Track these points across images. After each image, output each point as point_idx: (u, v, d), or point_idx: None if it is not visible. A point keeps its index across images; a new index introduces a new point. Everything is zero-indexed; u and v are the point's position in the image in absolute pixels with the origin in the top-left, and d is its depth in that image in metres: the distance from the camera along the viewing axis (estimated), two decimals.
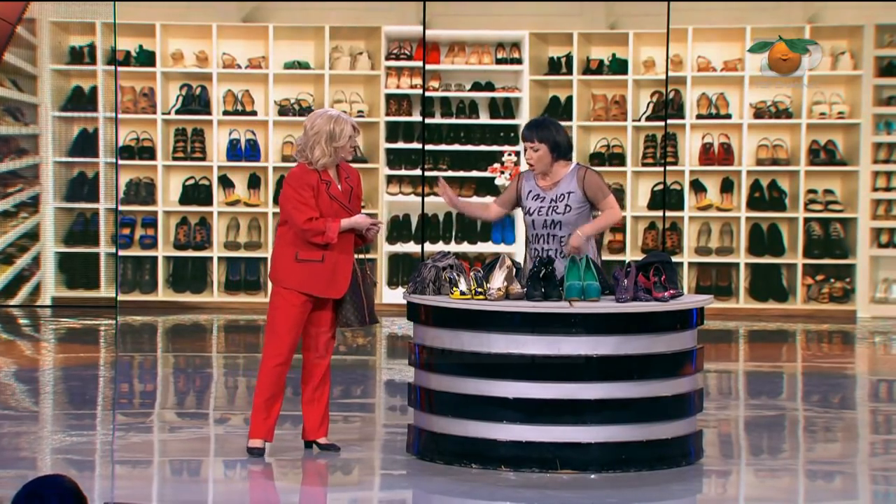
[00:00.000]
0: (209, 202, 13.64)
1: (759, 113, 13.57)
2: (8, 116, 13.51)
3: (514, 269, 6.84)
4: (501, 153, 13.00)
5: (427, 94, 13.57)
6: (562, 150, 7.13)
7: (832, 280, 13.54)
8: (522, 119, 13.61)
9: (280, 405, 7.09)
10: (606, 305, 6.71)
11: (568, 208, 7.07)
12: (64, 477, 3.63)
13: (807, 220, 13.51)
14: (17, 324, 12.69)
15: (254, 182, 13.74)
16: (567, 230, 7.06)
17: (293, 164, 14.98)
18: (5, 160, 13.49)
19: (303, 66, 13.68)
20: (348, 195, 7.10)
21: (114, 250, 13.31)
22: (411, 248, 13.65)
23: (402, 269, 13.59)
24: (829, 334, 12.60)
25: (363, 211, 7.21)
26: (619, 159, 13.64)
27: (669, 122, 13.47)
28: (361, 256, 7.15)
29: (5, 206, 13.48)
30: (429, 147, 13.56)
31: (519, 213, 7.41)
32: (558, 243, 7.06)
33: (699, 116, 13.63)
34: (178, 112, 13.66)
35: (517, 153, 13.09)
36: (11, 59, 13.35)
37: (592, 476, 6.63)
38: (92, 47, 13.50)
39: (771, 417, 8.49)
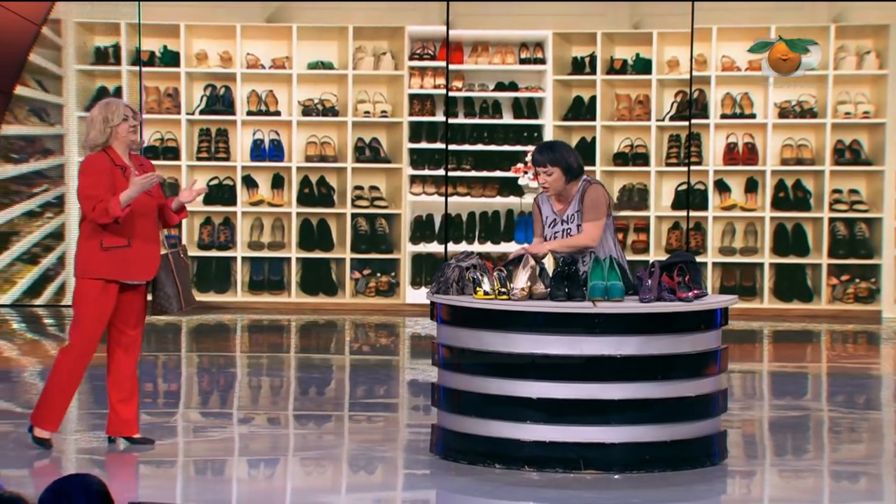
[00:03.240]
0: (233, 202, 13.68)
1: (783, 112, 13.53)
2: (33, 117, 13.57)
3: (539, 269, 6.83)
4: (525, 153, 12.98)
5: (450, 94, 13.57)
6: (574, 171, 7.08)
7: (857, 280, 13.49)
8: (546, 119, 13.60)
9: (72, 399, 7.13)
10: (630, 305, 6.70)
11: (580, 228, 7.04)
12: (92, 476, 3.64)
13: (832, 220, 13.46)
14: (41, 323, 12.75)
15: (277, 182, 13.76)
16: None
17: (318, 165, 14.98)
18: (31, 160, 13.55)
19: (326, 66, 13.70)
20: None
21: None
22: (434, 248, 13.65)
23: (426, 269, 13.60)
24: (854, 334, 12.55)
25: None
26: (642, 159, 13.62)
27: (694, 121, 13.44)
28: (174, 241, 7.18)
29: (30, 206, 13.53)
30: (452, 147, 13.56)
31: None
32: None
33: (723, 116, 13.59)
34: (202, 112, 13.69)
35: None
36: (36, 59, 13.41)
37: (616, 476, 6.62)
38: (116, 48, 13.55)
39: (795, 418, 8.46)
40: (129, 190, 6.97)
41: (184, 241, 13.56)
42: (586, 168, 14.25)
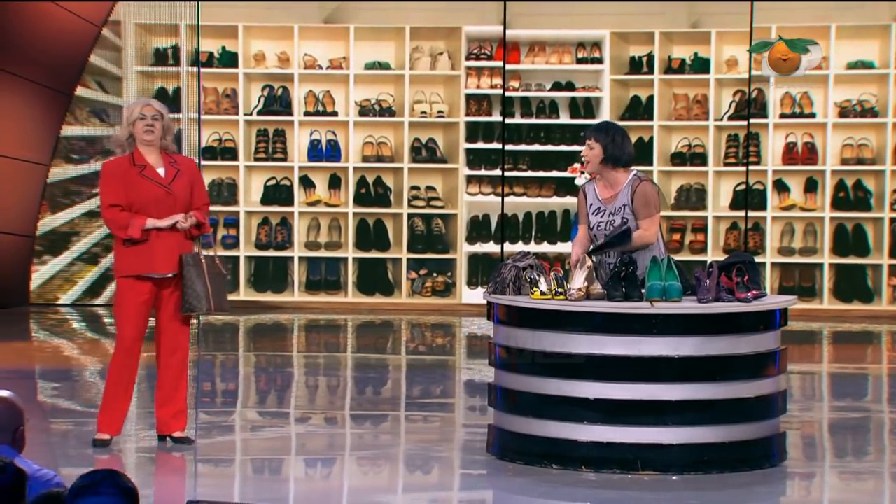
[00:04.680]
0: (290, 202, 13.73)
1: (843, 112, 13.40)
2: (94, 118, 13.69)
3: (594, 269, 6.80)
4: (581, 153, 12.94)
5: (507, 94, 13.55)
6: (614, 158, 7.00)
7: None
8: (603, 119, 13.54)
9: (130, 399, 7.17)
10: (688, 306, 6.66)
11: (624, 220, 6.98)
12: (120, 474, 3.68)
13: (893, 220, 13.31)
14: (102, 323, 12.85)
15: (334, 182, 13.80)
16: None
17: (374, 165, 15.01)
18: (91, 161, 13.66)
19: (383, 66, 13.72)
20: (171, 179, 7.14)
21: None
22: (491, 248, 13.63)
23: (482, 270, 13.58)
24: None
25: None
26: (700, 159, 13.54)
27: (752, 121, 13.34)
28: (207, 242, 7.20)
29: (91, 207, 13.64)
30: (509, 147, 13.54)
31: None
32: (618, 255, 6.97)
33: (782, 115, 13.48)
34: (259, 113, 13.75)
35: None
36: (97, 60, 13.52)
37: (674, 477, 6.58)
38: (175, 49, 13.64)
39: (856, 419, 8.38)
40: (159, 220, 7.05)
41: (240, 244, 13.63)
42: (644, 168, 14.19)
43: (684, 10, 13.59)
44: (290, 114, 13.72)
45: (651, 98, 13.54)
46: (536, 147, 13.63)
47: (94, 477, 3.66)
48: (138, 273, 7.09)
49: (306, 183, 13.79)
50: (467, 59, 13.64)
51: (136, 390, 7.39)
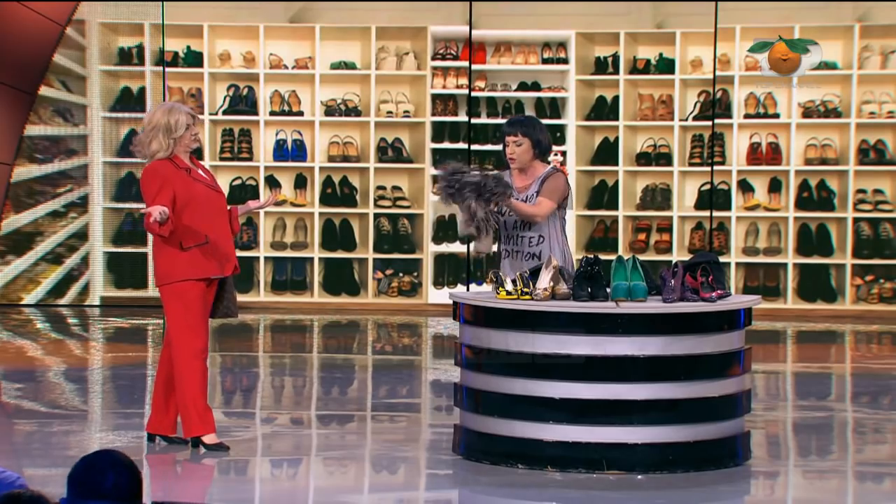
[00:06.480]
0: None
1: (807, 112, 13.48)
2: (57, 117, 13.61)
3: (560, 270, 6.82)
4: (507, 151, 12.95)
5: (473, 94, 13.56)
6: (542, 148, 7.12)
7: (882, 280, 13.43)
8: (569, 119, 13.58)
9: (205, 396, 7.10)
10: (653, 306, 6.68)
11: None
12: (118, 452, 3.67)
13: (856, 220, 13.40)
14: (66, 323, 12.79)
15: (300, 182, 13.78)
16: (535, 231, 7.01)
17: (340, 165, 14.98)
18: (55, 161, 13.59)
19: (349, 66, 13.71)
20: (213, 181, 7.18)
21: None
22: (457, 248, 13.64)
23: (448, 270, 13.59)
24: (878, 335, 12.50)
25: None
26: (665, 159, 13.59)
27: (717, 121, 13.40)
28: None
29: (55, 207, 13.57)
30: (475, 147, 13.55)
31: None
32: (526, 244, 7.02)
33: (747, 116, 13.55)
34: (225, 112, 13.72)
35: (563, 153, 13.05)
36: (61, 59, 13.45)
37: (639, 477, 6.60)
38: (140, 48, 13.59)
39: (819, 419, 8.43)
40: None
41: None
42: (609, 168, 14.24)
43: (649, 11, 13.64)
44: (256, 113, 13.69)
45: (616, 98, 13.59)
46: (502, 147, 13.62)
47: (95, 468, 3.59)
48: (211, 275, 7.02)
49: (272, 183, 13.76)
50: (433, 59, 13.65)
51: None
